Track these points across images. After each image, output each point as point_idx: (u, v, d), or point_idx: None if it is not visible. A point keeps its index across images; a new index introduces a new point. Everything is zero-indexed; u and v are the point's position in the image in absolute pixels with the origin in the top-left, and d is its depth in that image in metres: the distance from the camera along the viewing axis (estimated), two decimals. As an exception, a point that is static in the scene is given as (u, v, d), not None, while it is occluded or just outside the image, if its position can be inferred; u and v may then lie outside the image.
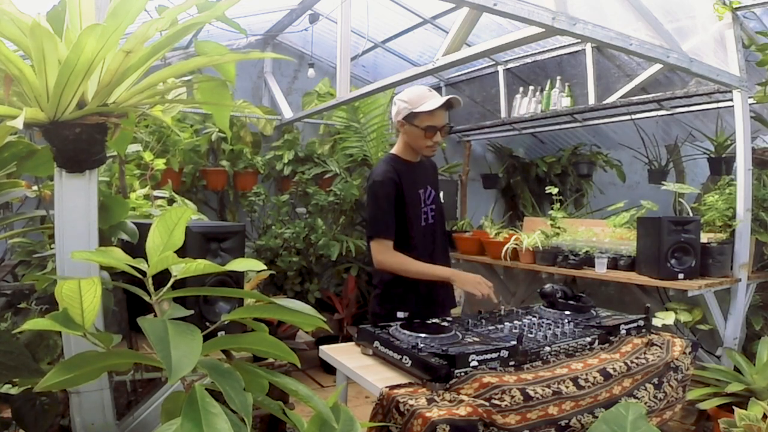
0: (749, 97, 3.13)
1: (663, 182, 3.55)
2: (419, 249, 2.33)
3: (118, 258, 1.08)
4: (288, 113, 4.75)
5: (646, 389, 1.74)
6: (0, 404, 1.39)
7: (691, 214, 3.45)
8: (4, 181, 1.66)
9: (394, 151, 2.43)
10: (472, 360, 1.56)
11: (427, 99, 2.24)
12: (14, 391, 1.35)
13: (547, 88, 4.39)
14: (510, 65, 4.78)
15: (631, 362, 1.76)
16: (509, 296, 4.41)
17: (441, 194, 2.55)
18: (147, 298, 1.09)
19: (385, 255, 2.26)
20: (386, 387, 1.53)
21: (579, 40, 3.80)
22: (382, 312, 2.29)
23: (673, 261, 3.02)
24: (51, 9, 1.29)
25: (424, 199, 2.38)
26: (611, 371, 1.68)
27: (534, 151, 5.98)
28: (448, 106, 2.24)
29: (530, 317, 2.12)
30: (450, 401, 1.44)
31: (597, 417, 1.51)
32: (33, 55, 1.06)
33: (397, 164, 2.37)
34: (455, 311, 2.55)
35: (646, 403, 1.70)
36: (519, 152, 5.90)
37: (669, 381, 1.83)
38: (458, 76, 5.30)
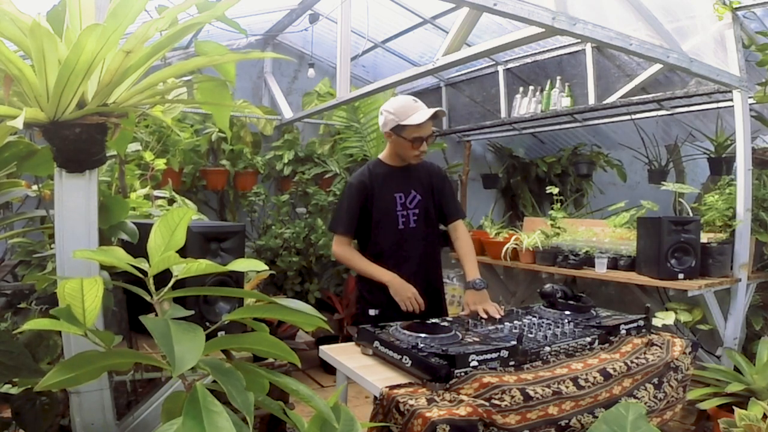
0: (749, 97, 3.13)
1: (663, 182, 3.54)
2: (389, 250, 2.39)
3: (120, 257, 1.08)
4: (288, 113, 4.75)
5: (646, 389, 1.74)
6: (0, 404, 1.39)
7: (691, 214, 3.45)
8: (4, 181, 1.66)
9: (381, 155, 2.50)
10: (472, 360, 1.56)
11: (413, 111, 2.27)
12: (14, 391, 1.35)
13: (547, 88, 4.39)
14: (510, 65, 4.78)
15: (631, 362, 1.76)
16: (509, 296, 4.40)
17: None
18: (148, 298, 1.09)
19: (338, 247, 2.43)
20: (386, 387, 1.53)
21: (579, 40, 3.80)
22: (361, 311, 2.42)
23: (673, 261, 3.01)
24: (51, 9, 1.29)
25: (402, 203, 2.40)
26: (611, 371, 1.68)
27: (534, 151, 5.98)
28: (433, 117, 2.28)
29: (530, 317, 2.12)
30: (450, 401, 1.44)
31: (597, 417, 1.51)
32: (33, 55, 1.06)
33: (376, 168, 2.45)
34: (454, 311, 2.56)
35: (646, 403, 1.70)
36: (519, 152, 5.90)
37: (669, 381, 1.83)
38: (458, 76, 5.29)
